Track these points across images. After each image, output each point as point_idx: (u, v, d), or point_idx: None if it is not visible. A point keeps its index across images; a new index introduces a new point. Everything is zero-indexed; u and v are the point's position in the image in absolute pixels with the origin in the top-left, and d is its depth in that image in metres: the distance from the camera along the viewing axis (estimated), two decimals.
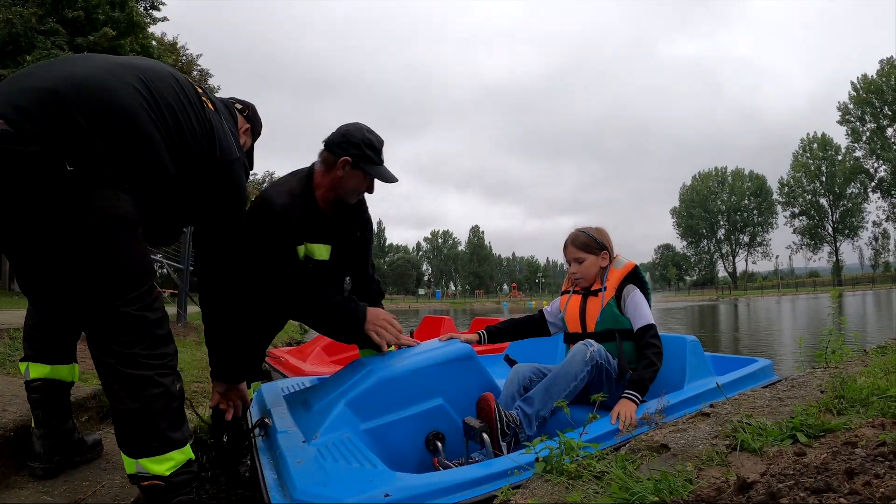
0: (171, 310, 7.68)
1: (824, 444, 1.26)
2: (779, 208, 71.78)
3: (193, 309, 8.12)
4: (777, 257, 77.83)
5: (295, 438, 1.76)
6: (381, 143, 2.10)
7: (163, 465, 1.36)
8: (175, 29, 41.65)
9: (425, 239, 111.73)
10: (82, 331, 1.49)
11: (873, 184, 62.08)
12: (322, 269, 2.14)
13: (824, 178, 65.64)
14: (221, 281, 1.72)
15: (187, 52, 24.16)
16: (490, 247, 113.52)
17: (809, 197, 66.82)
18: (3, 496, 1.57)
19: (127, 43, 15.43)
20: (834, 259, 66.76)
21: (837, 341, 3.01)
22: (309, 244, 2.08)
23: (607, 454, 1.37)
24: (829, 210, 66.21)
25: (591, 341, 2.20)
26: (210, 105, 1.66)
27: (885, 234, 64.68)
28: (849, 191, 64.10)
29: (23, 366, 1.71)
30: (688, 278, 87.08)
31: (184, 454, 1.41)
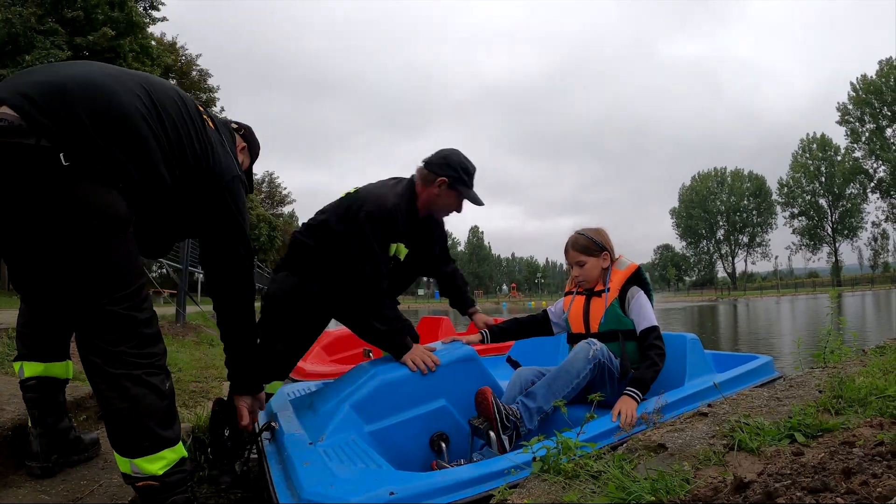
0: (171, 309, 7.68)
1: (822, 443, 1.26)
2: (778, 209, 71.81)
3: (193, 309, 8.12)
4: (776, 258, 77.97)
5: (302, 441, 1.79)
6: (475, 169, 2.35)
7: (155, 465, 1.37)
8: (175, 29, 41.78)
9: None
10: (71, 328, 1.49)
11: (872, 184, 62.10)
12: (396, 267, 2.33)
13: (823, 179, 65.63)
14: (238, 296, 1.75)
15: (186, 51, 24.16)
16: (489, 247, 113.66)
17: (809, 197, 66.82)
18: (1, 495, 1.57)
19: (126, 43, 15.45)
20: (833, 259, 66.78)
21: (836, 341, 3.01)
22: (400, 245, 2.31)
23: (605, 453, 1.37)
24: (829, 210, 66.23)
25: (594, 340, 2.23)
26: (211, 124, 1.69)
27: (885, 235, 64.74)
28: (848, 191, 64.09)
29: (17, 365, 1.71)
30: (687, 279, 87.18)
31: (176, 453, 1.41)
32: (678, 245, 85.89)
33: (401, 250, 2.31)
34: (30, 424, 1.71)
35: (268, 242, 35.39)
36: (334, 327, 5.25)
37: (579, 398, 2.12)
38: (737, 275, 79.29)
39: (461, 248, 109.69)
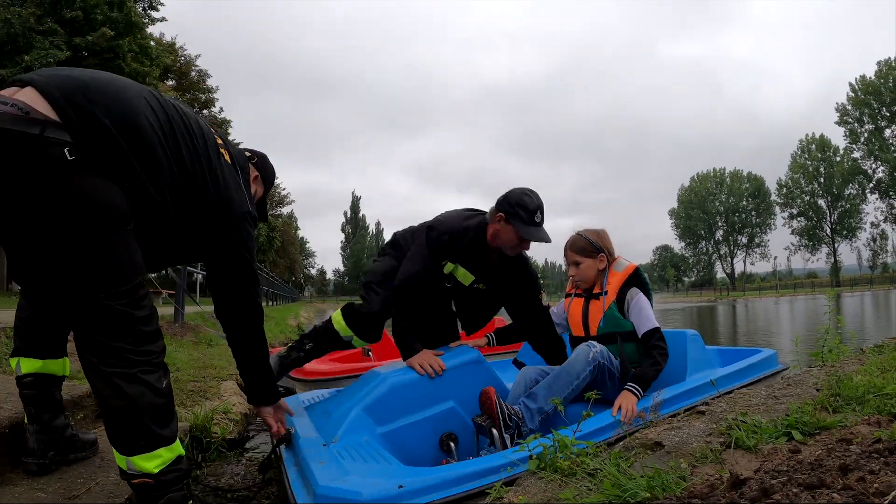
0: (170, 309, 7.67)
1: (819, 441, 1.26)
2: (777, 209, 71.82)
3: (193, 308, 8.12)
4: (775, 258, 77.79)
5: (316, 443, 1.88)
6: (536, 206, 2.41)
7: (151, 463, 1.37)
8: (174, 29, 41.76)
9: None
10: (69, 325, 1.49)
11: (871, 185, 62.13)
12: (462, 291, 2.58)
13: (822, 180, 65.65)
14: (246, 322, 1.79)
15: (186, 52, 24.15)
16: None
17: (808, 198, 66.82)
18: None
19: (125, 43, 15.40)
20: (832, 260, 66.80)
21: (834, 340, 3.01)
22: (460, 266, 2.52)
23: (602, 451, 1.37)
24: (828, 211, 66.24)
25: (594, 343, 2.26)
26: (228, 157, 1.72)
27: (884, 235, 64.78)
28: (847, 192, 64.10)
29: (13, 361, 1.71)
30: (686, 279, 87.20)
31: (172, 451, 1.41)
32: (677, 246, 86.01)
33: (459, 271, 2.53)
34: (26, 421, 1.71)
35: (266, 243, 35.40)
36: None
37: (581, 398, 2.13)
38: (736, 275, 79.36)
39: None
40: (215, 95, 25.09)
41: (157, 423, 1.37)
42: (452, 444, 2.10)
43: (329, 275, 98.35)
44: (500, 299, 2.67)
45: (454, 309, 2.65)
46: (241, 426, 3.01)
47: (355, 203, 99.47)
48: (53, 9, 14.65)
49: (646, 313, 2.31)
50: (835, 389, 1.69)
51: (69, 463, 1.79)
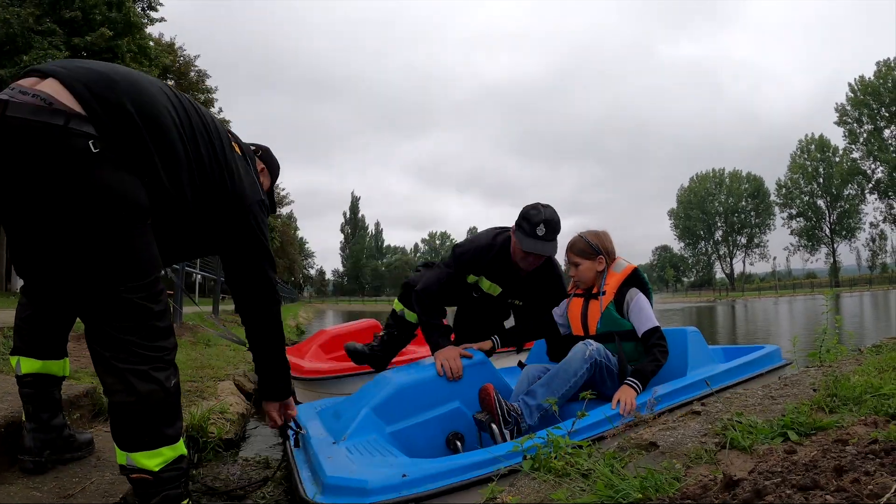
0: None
1: (815, 441, 1.25)
2: (776, 210, 71.94)
3: (193, 309, 8.11)
4: (774, 259, 77.93)
5: (326, 441, 1.96)
6: (541, 219, 2.51)
7: (153, 461, 1.36)
8: (174, 29, 41.76)
9: (423, 240, 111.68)
10: (80, 318, 1.48)
11: (870, 185, 62.22)
12: (491, 301, 2.79)
13: (822, 180, 65.73)
14: (266, 311, 1.81)
15: (185, 52, 24.13)
16: None
17: (807, 198, 66.91)
18: None
19: (124, 43, 15.39)
20: (831, 260, 66.89)
21: (832, 340, 3.01)
22: (484, 278, 2.74)
23: (596, 450, 1.37)
24: (827, 211, 66.32)
25: (591, 341, 2.31)
26: (238, 149, 1.73)
27: (883, 236, 64.88)
28: (846, 192, 64.19)
29: (13, 359, 1.70)
30: (685, 280, 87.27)
31: (174, 450, 1.40)
32: (676, 246, 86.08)
33: (483, 283, 2.74)
34: (24, 419, 1.70)
35: None
36: (332, 326, 5.26)
37: (577, 397, 2.17)
38: (735, 276, 79.44)
39: None
40: (214, 96, 25.06)
41: (164, 423, 1.37)
42: (459, 443, 2.16)
43: (328, 275, 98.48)
44: (533, 305, 2.81)
45: (494, 320, 2.89)
46: (238, 426, 3.00)
47: (354, 203, 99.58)
48: (52, 9, 14.65)
49: (646, 313, 2.35)
50: (832, 389, 1.68)
51: (65, 462, 1.78)
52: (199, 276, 11.32)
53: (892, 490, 0.79)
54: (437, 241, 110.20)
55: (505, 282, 2.72)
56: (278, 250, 41.61)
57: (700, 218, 77.49)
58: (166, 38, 23.17)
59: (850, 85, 59.56)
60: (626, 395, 2.10)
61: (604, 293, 2.43)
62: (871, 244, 66.06)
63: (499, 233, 2.75)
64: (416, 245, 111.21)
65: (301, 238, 68.36)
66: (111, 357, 1.32)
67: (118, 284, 1.31)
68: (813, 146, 66.74)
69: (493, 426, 2.02)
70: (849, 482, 0.85)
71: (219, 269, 9.79)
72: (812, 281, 69.94)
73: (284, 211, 53.38)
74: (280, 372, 1.92)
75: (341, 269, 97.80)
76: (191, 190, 1.48)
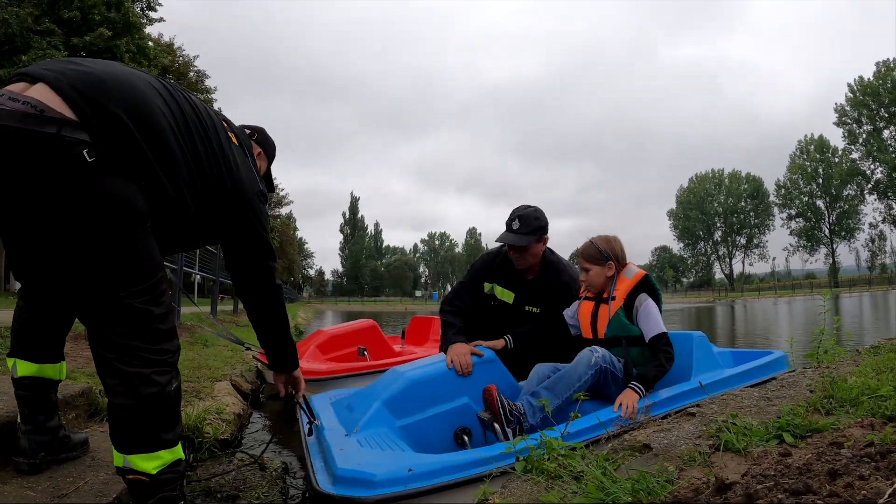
0: None
1: (811, 444, 1.24)
2: (776, 210, 71.96)
3: (190, 309, 8.10)
4: (774, 259, 77.94)
5: (338, 433, 2.05)
6: (516, 214, 2.70)
7: (150, 464, 1.35)
8: (173, 29, 41.58)
9: (422, 241, 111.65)
10: (82, 322, 1.47)
11: (870, 186, 62.25)
12: (508, 309, 2.85)
13: (821, 181, 65.78)
14: (268, 297, 1.85)
15: (184, 52, 24.11)
16: (487, 249, 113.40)
17: (806, 199, 66.97)
18: None
19: (123, 43, 15.38)
20: (830, 261, 66.90)
21: (830, 341, 2.99)
22: (497, 286, 2.85)
23: (590, 452, 1.35)
24: (826, 212, 66.36)
25: (597, 347, 2.36)
26: (235, 140, 1.72)
27: (882, 236, 64.94)
28: (845, 193, 64.24)
29: (10, 361, 1.69)
30: (685, 280, 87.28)
31: (172, 454, 1.40)
32: (676, 246, 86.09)
33: (497, 290, 2.85)
34: (19, 420, 1.69)
35: None
36: (330, 326, 5.25)
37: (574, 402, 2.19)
38: (734, 276, 79.44)
39: (458, 249, 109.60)
40: (214, 96, 25.04)
41: (163, 426, 1.36)
42: (466, 438, 2.22)
43: (328, 275, 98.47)
44: (548, 309, 2.85)
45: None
46: (234, 427, 2.99)
47: (354, 204, 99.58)
48: (51, 9, 14.65)
49: (654, 319, 2.39)
50: (828, 391, 1.67)
51: (59, 462, 1.78)
52: (197, 277, 11.30)
53: (886, 495, 0.77)
54: (437, 242, 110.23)
55: (516, 286, 2.80)
56: (277, 250, 41.46)
57: (699, 218, 77.54)
58: (165, 39, 23.16)
59: (849, 85, 59.62)
60: (628, 399, 2.13)
61: (614, 298, 2.47)
62: (870, 245, 66.18)
63: None
64: (415, 245, 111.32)
65: (300, 238, 68.36)
66: (115, 359, 1.32)
67: (120, 290, 1.31)
68: (812, 147, 66.78)
69: (496, 425, 2.06)
70: (842, 487, 0.84)
71: (217, 269, 9.78)
72: (811, 281, 70.01)
73: (284, 211, 53.31)
74: (283, 347, 1.96)
75: (340, 269, 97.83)
76: (189, 189, 1.47)
